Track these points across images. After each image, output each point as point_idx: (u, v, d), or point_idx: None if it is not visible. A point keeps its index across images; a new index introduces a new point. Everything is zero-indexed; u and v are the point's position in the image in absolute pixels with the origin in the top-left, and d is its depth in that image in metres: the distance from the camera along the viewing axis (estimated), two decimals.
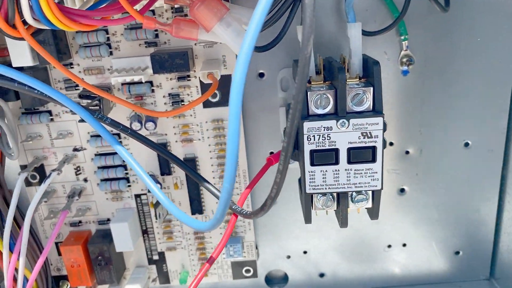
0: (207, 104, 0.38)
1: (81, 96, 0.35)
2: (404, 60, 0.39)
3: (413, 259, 0.46)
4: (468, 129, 0.41)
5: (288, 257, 0.46)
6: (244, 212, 0.29)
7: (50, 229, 0.42)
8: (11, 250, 0.36)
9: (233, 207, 0.30)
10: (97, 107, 0.34)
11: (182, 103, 0.38)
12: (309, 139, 0.31)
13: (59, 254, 0.43)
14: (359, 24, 0.32)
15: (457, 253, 0.46)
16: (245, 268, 0.44)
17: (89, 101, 0.34)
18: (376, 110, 0.30)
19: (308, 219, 0.34)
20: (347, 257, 0.46)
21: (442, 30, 0.38)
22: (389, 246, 0.46)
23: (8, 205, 0.36)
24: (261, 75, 0.39)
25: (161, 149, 0.33)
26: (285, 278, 0.47)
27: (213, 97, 0.38)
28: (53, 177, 0.37)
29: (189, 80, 0.37)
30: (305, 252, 0.46)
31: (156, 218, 0.40)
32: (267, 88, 0.39)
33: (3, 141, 0.36)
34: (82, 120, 0.31)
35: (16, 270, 0.37)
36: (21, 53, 0.32)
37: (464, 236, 0.45)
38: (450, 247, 0.46)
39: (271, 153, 0.41)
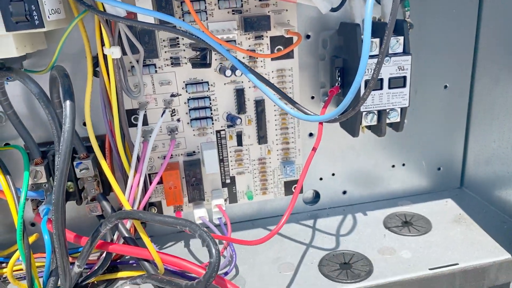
0: (274, 58, 0.51)
1: (193, 48, 0.47)
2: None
3: (409, 175, 0.63)
4: (447, 75, 0.59)
5: (321, 179, 0.61)
6: None
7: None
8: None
9: None
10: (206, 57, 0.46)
11: (256, 58, 0.51)
12: (365, 72, 0.45)
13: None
14: None
15: (439, 169, 0.64)
16: (294, 186, 0.57)
17: (198, 52, 0.46)
18: (406, 52, 0.46)
19: (356, 133, 0.49)
20: (362, 176, 0.62)
21: (431, 4, 0.55)
22: (393, 166, 0.62)
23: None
24: (308, 36, 0.53)
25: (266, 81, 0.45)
26: (317, 195, 0.62)
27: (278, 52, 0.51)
28: (166, 114, 0.48)
29: (262, 39, 0.50)
30: (333, 174, 0.61)
31: (240, 145, 0.52)
32: (311, 46, 0.54)
33: (127, 85, 0.46)
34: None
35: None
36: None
37: (443, 156, 0.63)
38: (434, 165, 0.63)
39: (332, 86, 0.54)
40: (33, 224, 0.55)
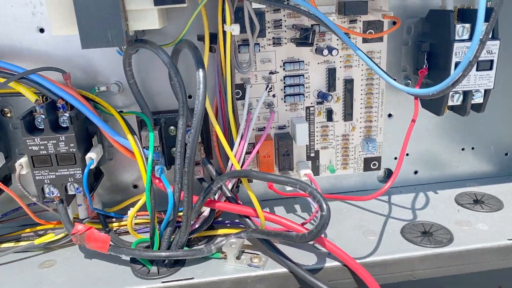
0: (364, 40, 0.56)
1: (298, 28, 0.52)
2: None
3: (478, 159, 0.66)
4: None
5: (395, 158, 0.65)
6: None
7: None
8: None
9: None
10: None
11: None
12: (456, 55, 0.49)
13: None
14: None
15: (506, 154, 0.67)
16: (372, 162, 0.62)
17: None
18: (495, 37, 0.50)
19: (442, 112, 0.53)
20: (434, 158, 0.65)
21: None
22: (463, 149, 0.66)
23: None
24: (393, 23, 0.58)
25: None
26: (389, 174, 0.66)
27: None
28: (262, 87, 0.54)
29: (356, 23, 0.55)
30: (407, 154, 0.65)
31: (331, 120, 0.57)
32: (395, 32, 0.58)
33: (237, 61, 0.52)
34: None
35: None
36: None
37: (511, 142, 0.66)
38: (502, 150, 0.67)
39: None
40: (135, 186, 0.61)
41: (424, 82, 0.56)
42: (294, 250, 0.51)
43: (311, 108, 0.58)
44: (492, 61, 0.50)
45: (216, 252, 0.50)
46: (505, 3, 0.49)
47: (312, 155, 0.60)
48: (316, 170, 0.61)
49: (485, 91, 0.52)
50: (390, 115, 0.62)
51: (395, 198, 0.63)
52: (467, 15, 0.51)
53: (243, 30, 0.50)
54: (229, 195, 0.52)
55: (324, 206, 0.43)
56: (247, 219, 0.52)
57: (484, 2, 0.37)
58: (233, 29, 0.47)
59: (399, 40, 0.58)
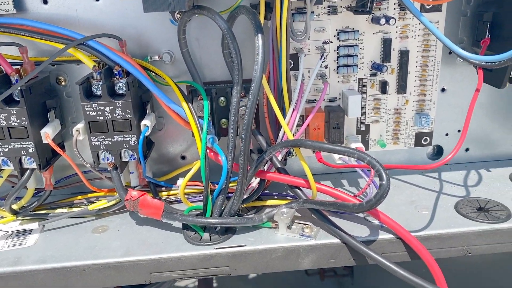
0: (423, 9, 0.54)
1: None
2: None
3: None
4: None
5: (446, 134, 0.63)
6: None
7: None
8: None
9: None
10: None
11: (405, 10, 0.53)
12: None
13: None
14: None
15: None
16: (424, 138, 0.60)
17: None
18: None
19: (504, 84, 0.51)
20: (487, 135, 0.63)
21: None
22: None
23: None
24: None
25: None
26: (438, 151, 0.64)
27: (428, 5, 0.54)
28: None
29: None
30: (458, 131, 0.63)
31: (385, 92, 0.56)
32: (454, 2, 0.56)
33: (292, 29, 0.51)
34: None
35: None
36: None
37: None
38: None
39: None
40: (183, 157, 0.62)
41: (486, 54, 0.53)
42: (345, 222, 0.51)
43: (364, 80, 0.57)
44: None
45: (267, 221, 0.50)
46: None
47: (363, 129, 0.59)
48: (365, 144, 0.60)
49: None
50: (443, 90, 0.60)
51: (445, 175, 0.61)
52: None
53: None
54: (279, 166, 0.52)
55: (384, 175, 0.42)
56: (297, 189, 0.51)
57: None
58: None
59: (458, 10, 0.56)
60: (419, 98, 0.58)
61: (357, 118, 0.59)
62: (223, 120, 0.56)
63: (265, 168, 0.54)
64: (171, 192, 0.58)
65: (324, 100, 0.57)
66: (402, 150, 0.63)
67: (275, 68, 0.51)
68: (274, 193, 0.57)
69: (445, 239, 0.48)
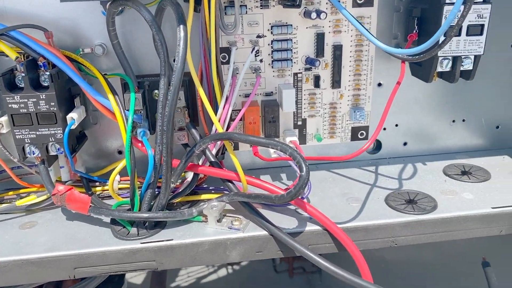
0: (354, 5, 0.54)
1: None
2: None
3: (468, 131, 0.66)
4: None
5: (384, 129, 0.64)
6: None
7: None
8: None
9: None
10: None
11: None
12: (445, 17, 0.48)
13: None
14: None
15: (497, 127, 0.66)
16: (360, 132, 0.61)
17: None
18: (486, 0, 0.49)
19: (430, 79, 0.52)
20: (424, 129, 0.65)
21: None
22: (453, 121, 0.65)
23: None
24: None
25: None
26: (378, 146, 0.66)
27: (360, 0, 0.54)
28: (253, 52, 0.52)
29: None
30: (396, 125, 0.64)
31: (318, 87, 0.56)
32: None
33: (223, 22, 0.51)
34: None
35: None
36: None
37: (503, 115, 0.65)
38: (493, 123, 0.66)
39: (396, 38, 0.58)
40: (120, 152, 0.61)
41: None
42: (276, 214, 0.51)
43: (299, 75, 0.57)
44: (482, 25, 0.49)
45: (197, 215, 0.50)
46: None
47: (299, 123, 0.60)
48: (303, 138, 0.61)
49: (475, 57, 0.51)
50: (379, 84, 0.61)
51: (382, 169, 0.62)
52: None
53: None
54: (213, 159, 0.52)
55: (304, 166, 0.42)
56: (229, 183, 0.51)
57: None
58: None
59: (391, 6, 0.57)
60: (354, 92, 0.59)
61: (294, 112, 0.59)
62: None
63: (201, 162, 0.54)
64: (105, 187, 0.57)
65: (260, 94, 0.58)
66: (340, 145, 0.64)
67: (206, 61, 0.51)
68: (211, 187, 0.57)
69: (371, 230, 0.49)
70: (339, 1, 0.45)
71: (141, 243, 0.47)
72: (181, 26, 0.43)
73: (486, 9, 0.49)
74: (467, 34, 0.49)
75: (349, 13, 0.45)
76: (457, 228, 0.50)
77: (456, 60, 0.51)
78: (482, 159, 0.64)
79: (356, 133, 0.61)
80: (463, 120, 0.65)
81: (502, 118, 0.66)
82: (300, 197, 0.53)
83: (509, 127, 0.66)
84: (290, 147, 0.44)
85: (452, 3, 0.48)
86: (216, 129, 0.52)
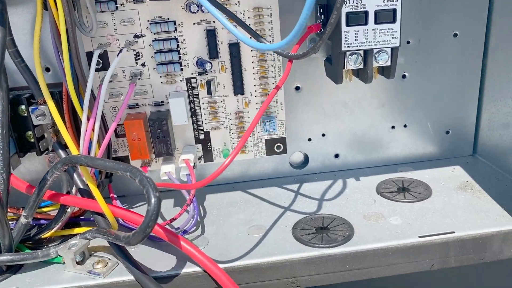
0: None
1: None
2: None
3: (412, 138, 0.56)
4: (457, 21, 0.51)
5: (309, 139, 0.54)
6: None
7: (109, 112, 0.48)
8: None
9: None
10: None
11: None
12: (345, 3, 0.39)
13: (116, 136, 0.49)
14: None
15: (447, 132, 0.56)
16: (276, 145, 0.52)
17: None
18: None
19: (339, 79, 0.43)
20: (357, 138, 0.55)
21: None
22: (393, 127, 0.55)
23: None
24: None
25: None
26: (306, 159, 0.56)
27: None
28: (123, 53, 0.43)
29: None
30: (323, 135, 0.54)
31: (210, 94, 0.47)
32: None
33: (80, 21, 0.42)
34: None
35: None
36: None
37: (453, 117, 0.55)
38: (441, 127, 0.56)
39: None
40: None
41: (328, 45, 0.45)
42: (157, 252, 0.42)
43: (193, 80, 0.48)
44: (394, 10, 0.39)
45: (57, 256, 0.41)
46: None
47: (202, 137, 0.50)
48: (208, 155, 0.51)
49: (392, 50, 0.41)
50: (298, 88, 0.52)
51: (306, 187, 0.53)
52: None
53: None
54: (81, 187, 0.43)
55: (152, 199, 0.33)
56: (97, 215, 0.42)
57: None
58: None
59: None
60: (262, 99, 0.49)
61: (194, 124, 0.50)
62: (29, 132, 0.47)
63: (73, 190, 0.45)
64: None
65: (148, 104, 0.49)
66: (268, 159, 0.54)
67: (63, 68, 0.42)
68: (92, 218, 0.48)
69: (265, 271, 0.39)
70: None
71: None
72: None
73: None
74: (376, 22, 0.40)
75: (208, 3, 0.36)
76: (374, 264, 0.40)
77: (367, 54, 0.41)
78: (427, 171, 0.54)
79: (271, 146, 0.52)
80: (405, 126, 0.55)
81: (452, 121, 0.55)
82: (185, 230, 0.44)
83: (461, 132, 0.56)
84: (140, 173, 0.35)
85: None
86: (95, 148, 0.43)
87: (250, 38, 0.40)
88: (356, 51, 0.41)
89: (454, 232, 0.41)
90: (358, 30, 0.40)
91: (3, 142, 0.39)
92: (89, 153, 0.43)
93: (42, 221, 0.47)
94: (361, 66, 0.42)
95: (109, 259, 0.41)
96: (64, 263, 0.41)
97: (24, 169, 0.51)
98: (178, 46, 0.46)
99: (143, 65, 0.47)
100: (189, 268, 0.39)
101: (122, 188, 0.53)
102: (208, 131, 0.50)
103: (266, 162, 0.55)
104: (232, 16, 0.42)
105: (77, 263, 0.40)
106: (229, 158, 0.39)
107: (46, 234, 0.45)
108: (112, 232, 0.39)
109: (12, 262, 0.40)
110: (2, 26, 0.35)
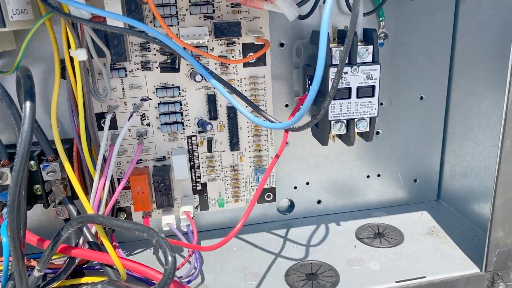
0: (246, 64, 0.51)
1: (162, 53, 0.46)
2: (381, 35, 0.55)
3: (385, 186, 0.62)
4: (423, 85, 0.59)
5: (295, 187, 0.60)
6: None
7: (114, 167, 0.52)
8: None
9: None
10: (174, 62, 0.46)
11: (228, 64, 0.50)
12: (331, 80, 0.45)
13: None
14: (362, 3, 0.48)
15: (415, 180, 0.63)
16: (267, 194, 0.57)
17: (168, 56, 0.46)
18: (375, 61, 0.46)
19: (325, 142, 0.49)
20: (337, 186, 0.61)
21: (407, 15, 0.55)
22: (368, 176, 0.62)
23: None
24: (282, 44, 0.53)
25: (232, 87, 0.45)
26: (292, 204, 0.61)
27: (251, 60, 0.51)
28: (133, 118, 0.48)
29: (235, 45, 0.50)
30: (307, 183, 0.60)
31: (210, 151, 0.52)
32: (286, 54, 0.54)
33: (95, 88, 0.46)
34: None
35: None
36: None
37: (420, 168, 0.63)
38: (410, 176, 0.63)
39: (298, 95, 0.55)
40: None
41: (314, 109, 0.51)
42: None
43: (193, 138, 0.53)
44: (373, 87, 0.46)
45: None
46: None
47: (199, 188, 0.55)
48: (204, 204, 0.56)
49: (370, 119, 0.48)
50: (286, 143, 0.57)
51: (293, 232, 0.58)
52: (344, 37, 0.46)
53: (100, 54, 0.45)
54: (91, 240, 0.46)
55: (169, 259, 0.37)
56: (107, 267, 0.46)
57: (326, 22, 0.33)
58: (78, 55, 0.42)
59: (289, 63, 0.54)
60: (255, 154, 0.55)
61: (192, 177, 0.54)
62: (37, 186, 0.50)
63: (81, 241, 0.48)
64: None
65: (151, 160, 0.53)
66: (258, 206, 0.60)
67: (78, 130, 0.46)
68: (97, 267, 0.51)
69: None
70: (206, 70, 0.41)
71: None
72: (27, 103, 0.38)
73: (375, 69, 0.46)
74: (358, 96, 0.46)
75: (219, 83, 0.41)
76: None
77: (350, 123, 0.48)
78: (399, 216, 0.61)
79: (262, 196, 0.57)
80: (378, 175, 0.62)
81: (419, 171, 0.63)
82: (189, 280, 0.48)
83: (426, 180, 0.63)
84: (157, 234, 0.39)
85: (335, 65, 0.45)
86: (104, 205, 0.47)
87: (261, 118, 0.45)
88: (340, 120, 0.47)
89: (425, 277, 0.47)
90: (342, 103, 0.46)
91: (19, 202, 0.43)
92: (98, 208, 0.47)
93: (46, 271, 0.50)
94: (344, 132, 0.48)
95: None
96: None
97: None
98: (181, 108, 0.51)
99: (148, 125, 0.51)
100: None
101: (119, 233, 0.56)
102: (205, 183, 0.55)
103: (256, 208, 0.60)
104: (242, 97, 0.46)
105: None
106: (240, 222, 0.44)
107: (55, 284, 0.48)
108: (123, 285, 0.42)
109: None
110: (31, 101, 0.38)
